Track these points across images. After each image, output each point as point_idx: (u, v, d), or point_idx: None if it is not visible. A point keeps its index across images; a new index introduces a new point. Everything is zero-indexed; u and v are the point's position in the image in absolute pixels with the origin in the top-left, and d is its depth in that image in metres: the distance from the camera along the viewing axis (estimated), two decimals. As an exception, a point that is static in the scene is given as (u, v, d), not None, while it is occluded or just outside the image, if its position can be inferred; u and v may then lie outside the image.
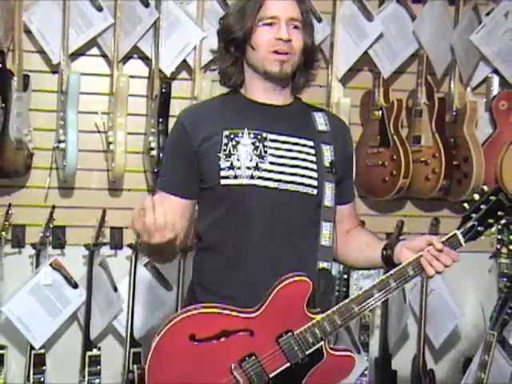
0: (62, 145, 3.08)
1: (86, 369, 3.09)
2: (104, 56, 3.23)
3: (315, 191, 1.96)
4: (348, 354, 1.92)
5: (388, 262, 1.96)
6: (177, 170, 2.00)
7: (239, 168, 1.91)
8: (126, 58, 3.25)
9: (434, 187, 3.31)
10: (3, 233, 3.06)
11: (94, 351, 3.12)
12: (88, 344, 3.13)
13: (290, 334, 1.85)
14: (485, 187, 1.94)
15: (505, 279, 3.11)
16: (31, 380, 3.05)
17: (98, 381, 3.09)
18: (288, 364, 1.86)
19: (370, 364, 3.31)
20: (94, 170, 3.26)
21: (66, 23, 3.09)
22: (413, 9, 3.39)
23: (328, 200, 1.97)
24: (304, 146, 1.98)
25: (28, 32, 3.11)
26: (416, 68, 3.40)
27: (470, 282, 3.59)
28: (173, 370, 1.85)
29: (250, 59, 1.97)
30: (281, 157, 1.95)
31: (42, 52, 3.15)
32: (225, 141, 1.94)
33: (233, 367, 1.84)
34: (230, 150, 1.93)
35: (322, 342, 1.87)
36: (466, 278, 3.57)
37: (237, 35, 1.94)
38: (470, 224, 1.90)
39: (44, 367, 3.08)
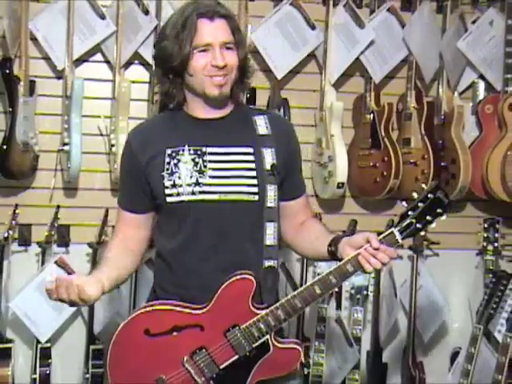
0: (66, 147, 3.13)
1: (90, 362, 3.13)
2: (107, 62, 3.28)
3: (257, 197, 2.00)
4: (293, 346, 1.99)
5: (333, 257, 1.99)
6: (129, 188, 2.10)
7: (181, 186, 1.98)
8: (128, 64, 3.30)
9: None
10: (10, 232, 3.10)
11: (98, 345, 3.17)
12: (92, 338, 3.18)
13: (236, 328, 1.94)
14: (424, 186, 1.93)
15: (491, 275, 3.17)
16: (37, 372, 3.10)
17: (101, 373, 3.12)
18: (236, 356, 1.94)
19: (362, 357, 3.33)
20: (97, 172, 3.31)
21: (71, 31, 3.14)
22: (402, 17, 3.43)
23: (270, 201, 2.01)
24: (243, 154, 2.02)
25: (34, 39, 3.16)
26: (406, 73, 3.43)
27: (457, 278, 3.63)
28: (130, 362, 1.96)
29: (189, 84, 2.00)
30: (220, 169, 1.99)
31: (47, 58, 3.20)
32: (167, 160, 2.00)
33: (185, 360, 1.95)
34: (172, 169, 1.99)
35: (268, 336, 1.94)
36: (454, 274, 3.62)
37: (175, 64, 1.97)
38: (407, 221, 1.90)
39: (50, 360, 3.14)
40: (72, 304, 1.88)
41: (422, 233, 1.98)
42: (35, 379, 3.11)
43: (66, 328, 3.30)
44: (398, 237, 1.91)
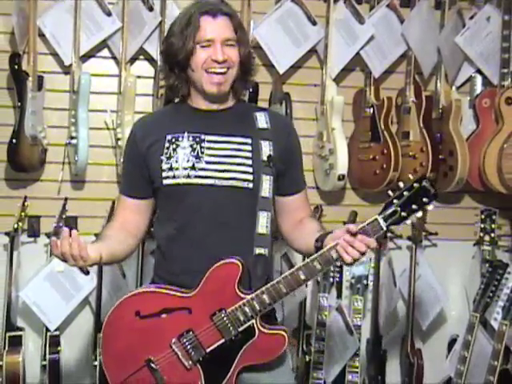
0: (73, 141, 3.18)
1: (98, 349, 3.16)
2: (113, 57, 3.33)
3: (251, 184, 2.05)
4: (279, 332, 2.02)
5: None
6: (130, 174, 2.18)
7: (177, 169, 2.05)
8: (133, 60, 3.34)
9: (421, 180, 3.44)
10: (20, 223, 3.16)
11: None
12: (99, 326, 3.07)
13: (222, 311, 1.99)
14: (410, 176, 1.94)
15: (487, 265, 3.23)
16: (47, 359, 3.14)
17: None
18: (223, 340, 1.99)
19: (362, 344, 3.34)
20: (104, 165, 3.36)
21: (77, 27, 3.19)
22: (401, 13, 3.46)
23: (265, 191, 2.05)
24: (240, 143, 2.08)
25: (42, 36, 3.21)
26: (405, 68, 3.46)
27: (455, 267, 3.66)
28: (120, 342, 2.03)
29: (191, 78, 2.08)
30: (217, 156, 2.05)
31: (54, 54, 3.26)
32: (166, 145, 2.08)
33: (172, 341, 2.01)
34: (170, 153, 2.07)
35: (253, 320, 1.99)
36: (452, 264, 3.65)
37: (179, 58, 2.05)
38: (391, 209, 1.91)
39: (59, 348, 3.18)
40: (72, 260, 1.93)
41: (409, 221, 1.94)
42: (45, 366, 3.16)
43: (74, 317, 3.34)
44: (383, 224, 1.93)
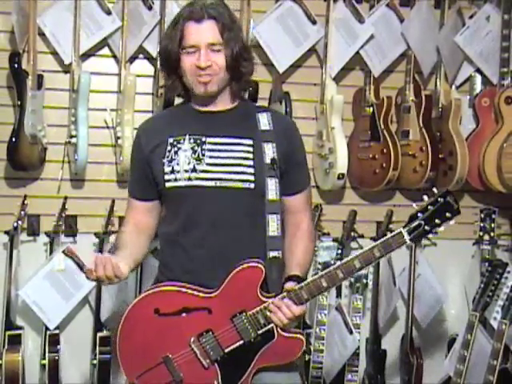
0: (73, 140, 3.18)
1: (97, 348, 3.19)
2: (112, 56, 3.33)
3: (252, 185, 2.04)
4: (297, 336, 2.03)
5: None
6: (136, 177, 2.20)
7: (178, 172, 2.07)
8: (133, 58, 3.35)
9: (421, 179, 3.39)
10: (19, 222, 3.15)
11: (105, 332, 3.22)
12: (99, 325, 3.23)
13: (243, 314, 2.00)
14: (435, 190, 1.98)
15: (487, 264, 3.20)
16: (46, 358, 3.15)
17: (108, 359, 3.18)
18: (241, 341, 2.01)
19: (362, 344, 3.35)
20: (104, 163, 3.37)
21: (77, 26, 3.19)
22: (401, 12, 3.47)
23: (272, 194, 2.05)
24: (241, 144, 2.07)
25: (42, 34, 3.21)
26: (404, 67, 3.47)
27: (454, 266, 3.67)
28: (138, 338, 2.04)
29: (184, 80, 2.09)
30: (217, 157, 2.06)
31: (54, 53, 3.26)
32: (168, 148, 2.09)
33: (191, 340, 2.02)
34: (172, 156, 2.08)
35: (273, 324, 2.00)
36: (451, 263, 3.66)
37: (167, 62, 2.09)
38: (416, 223, 1.94)
39: (58, 346, 3.18)
40: (107, 281, 1.98)
41: (430, 235, 1.99)
42: (44, 365, 3.17)
43: (73, 315, 3.35)
44: (406, 237, 1.95)
